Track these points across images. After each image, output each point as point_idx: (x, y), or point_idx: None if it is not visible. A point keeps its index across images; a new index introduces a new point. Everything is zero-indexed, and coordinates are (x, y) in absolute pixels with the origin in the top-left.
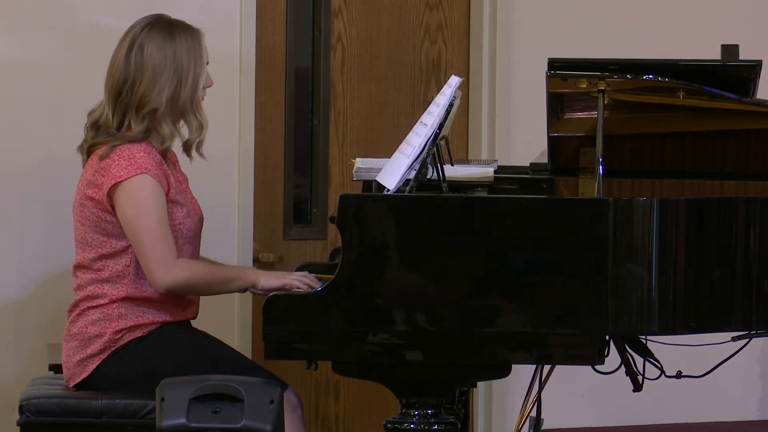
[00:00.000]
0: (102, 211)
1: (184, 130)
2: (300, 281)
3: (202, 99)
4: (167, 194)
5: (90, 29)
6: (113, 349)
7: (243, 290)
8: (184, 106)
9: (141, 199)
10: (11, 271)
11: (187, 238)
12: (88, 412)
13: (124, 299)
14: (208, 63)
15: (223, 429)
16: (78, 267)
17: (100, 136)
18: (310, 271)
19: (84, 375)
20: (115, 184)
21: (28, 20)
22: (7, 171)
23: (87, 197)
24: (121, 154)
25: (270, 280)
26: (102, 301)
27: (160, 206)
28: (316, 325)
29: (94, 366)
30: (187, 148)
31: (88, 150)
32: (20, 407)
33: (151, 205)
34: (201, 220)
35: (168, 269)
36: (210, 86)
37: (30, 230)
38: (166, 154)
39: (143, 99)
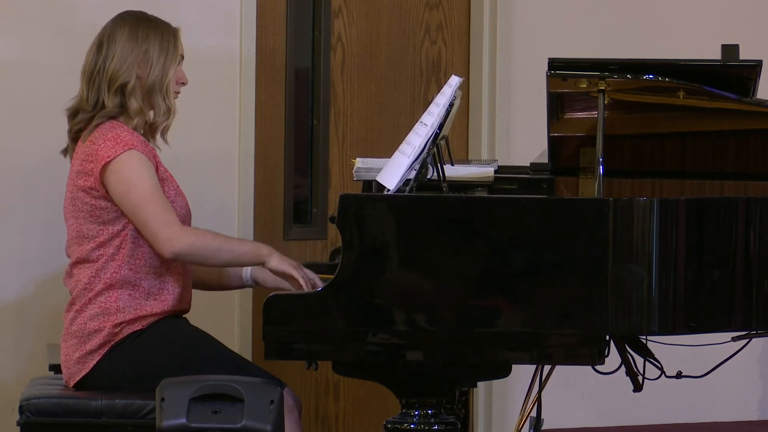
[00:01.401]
0: (96, 199)
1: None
2: (306, 279)
3: (176, 95)
4: (157, 171)
5: (90, 29)
6: (113, 343)
7: (253, 264)
8: (153, 87)
9: (131, 171)
10: (11, 271)
11: (181, 215)
12: (88, 412)
13: (119, 283)
14: (183, 58)
15: (223, 429)
16: (76, 264)
17: (79, 120)
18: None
19: (84, 372)
20: (104, 164)
21: (28, 20)
22: (8, 171)
23: (79, 189)
24: (106, 135)
25: (283, 263)
26: (98, 288)
27: (151, 177)
28: (316, 325)
29: (94, 362)
30: (152, 130)
31: (73, 138)
32: (20, 407)
33: (143, 176)
34: (188, 207)
35: (173, 232)
36: (184, 84)
37: (30, 230)
38: (138, 131)
39: (114, 74)
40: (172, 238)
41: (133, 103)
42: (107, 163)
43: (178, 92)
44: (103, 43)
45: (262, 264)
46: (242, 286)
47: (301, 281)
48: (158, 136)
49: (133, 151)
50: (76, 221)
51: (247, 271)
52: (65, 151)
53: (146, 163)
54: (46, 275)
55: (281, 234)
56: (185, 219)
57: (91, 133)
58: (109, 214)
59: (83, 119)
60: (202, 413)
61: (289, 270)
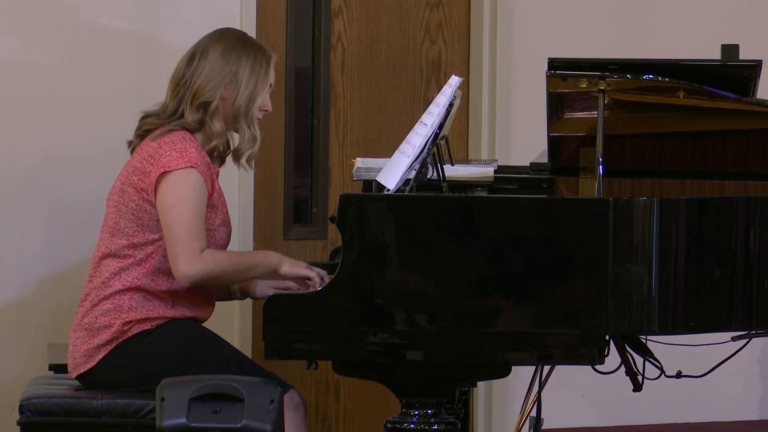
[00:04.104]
0: (143, 201)
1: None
2: (321, 278)
3: (259, 119)
4: (210, 197)
5: (90, 30)
6: (121, 340)
7: (266, 274)
8: (238, 113)
9: (183, 190)
10: (11, 271)
11: (219, 245)
12: (88, 412)
13: (137, 289)
14: (272, 86)
15: (223, 429)
16: (105, 256)
17: (152, 122)
18: None
19: (89, 365)
20: (163, 173)
21: (28, 20)
22: (8, 171)
23: (130, 184)
24: (174, 145)
25: (295, 267)
26: (116, 288)
27: (199, 201)
28: (316, 325)
29: (100, 356)
30: (236, 156)
31: (141, 135)
32: (20, 407)
33: (192, 198)
34: (230, 235)
35: (192, 262)
36: (268, 111)
37: (30, 230)
38: (212, 154)
39: (199, 89)
40: (187, 268)
41: (216, 125)
42: (166, 173)
43: (260, 118)
44: (195, 55)
45: (275, 272)
46: (231, 299)
47: (317, 279)
48: (243, 162)
49: (194, 170)
50: (117, 213)
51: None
52: (130, 144)
53: (201, 186)
54: (46, 275)
55: (281, 234)
56: (222, 248)
57: (161, 137)
58: (150, 220)
59: (155, 122)
60: (202, 413)
61: (303, 272)
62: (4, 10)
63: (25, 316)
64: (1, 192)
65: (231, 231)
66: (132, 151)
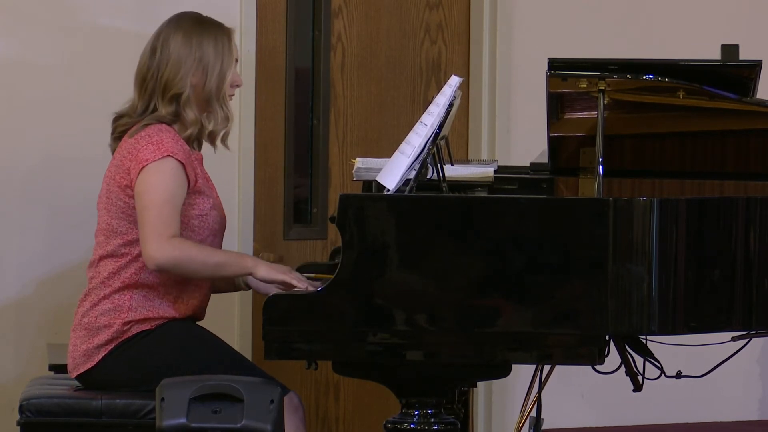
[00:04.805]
0: (129, 198)
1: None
2: (300, 280)
3: (230, 97)
4: (195, 185)
5: (90, 29)
6: (120, 340)
7: (239, 276)
8: (210, 96)
9: (157, 176)
10: (11, 271)
11: (213, 230)
12: (88, 412)
13: (137, 285)
14: (237, 61)
15: (223, 429)
16: (103, 258)
17: (126, 120)
18: (310, 271)
19: (89, 365)
20: (142, 167)
21: (28, 20)
22: (8, 171)
23: (115, 184)
24: (150, 138)
25: (272, 272)
26: (116, 286)
27: (174, 189)
28: (316, 325)
29: (100, 356)
30: (211, 138)
31: (118, 137)
32: (20, 407)
33: (166, 184)
34: (224, 219)
35: (159, 245)
36: (239, 86)
37: (30, 230)
38: (190, 141)
39: (168, 83)
40: (156, 251)
41: (190, 114)
42: (144, 167)
43: (233, 95)
44: (156, 48)
45: (250, 275)
46: (236, 290)
47: (295, 282)
48: (218, 143)
49: (171, 158)
50: (109, 215)
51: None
52: (111, 146)
53: (177, 173)
54: (46, 275)
55: (281, 234)
56: (217, 233)
57: (138, 132)
58: None
59: (129, 122)
60: (202, 413)
61: (279, 277)
62: (4, 10)
63: (25, 316)
64: (1, 192)
65: (224, 216)
66: (113, 153)
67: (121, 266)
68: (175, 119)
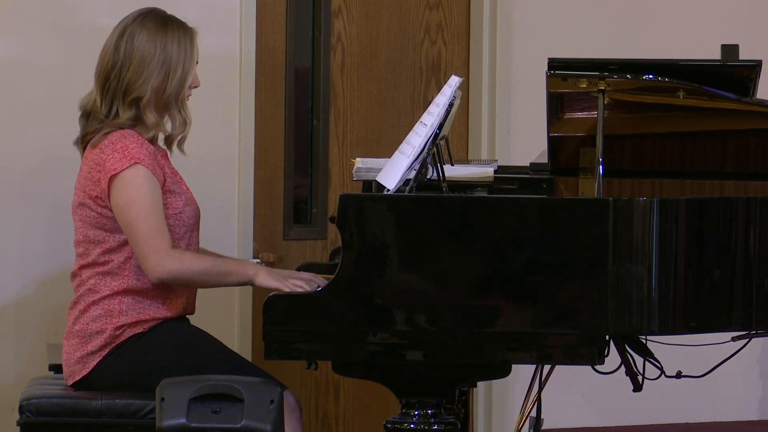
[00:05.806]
0: (102, 207)
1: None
2: (300, 283)
3: (188, 98)
4: (163, 185)
5: (90, 29)
6: (114, 345)
7: (240, 284)
8: (169, 100)
9: (133, 188)
10: (11, 271)
11: (189, 226)
12: (88, 412)
13: (125, 291)
14: (197, 63)
15: (223, 429)
16: (82, 267)
17: (91, 125)
18: (310, 272)
19: (84, 372)
20: (111, 176)
21: (28, 20)
22: (8, 171)
23: (86, 195)
24: (114, 146)
25: (268, 279)
26: (104, 293)
27: (153, 195)
28: (316, 325)
29: (94, 363)
30: (168, 142)
31: (83, 140)
32: (20, 407)
33: (144, 194)
34: (198, 210)
35: (160, 259)
36: (196, 87)
37: (30, 230)
38: (153, 143)
39: (129, 86)
40: (158, 266)
41: (150, 117)
42: (114, 176)
43: (190, 95)
44: (120, 45)
45: (250, 283)
46: (242, 284)
47: (288, 289)
48: (175, 147)
49: (140, 165)
50: (84, 225)
51: None
52: (77, 143)
53: (151, 180)
54: (46, 275)
55: (281, 234)
56: (193, 228)
57: (101, 141)
58: (115, 224)
59: (95, 127)
60: (202, 413)
61: (275, 285)
62: (4, 10)
63: (25, 316)
64: (1, 192)
65: (198, 208)
66: (81, 152)
67: (104, 274)
68: (136, 123)
